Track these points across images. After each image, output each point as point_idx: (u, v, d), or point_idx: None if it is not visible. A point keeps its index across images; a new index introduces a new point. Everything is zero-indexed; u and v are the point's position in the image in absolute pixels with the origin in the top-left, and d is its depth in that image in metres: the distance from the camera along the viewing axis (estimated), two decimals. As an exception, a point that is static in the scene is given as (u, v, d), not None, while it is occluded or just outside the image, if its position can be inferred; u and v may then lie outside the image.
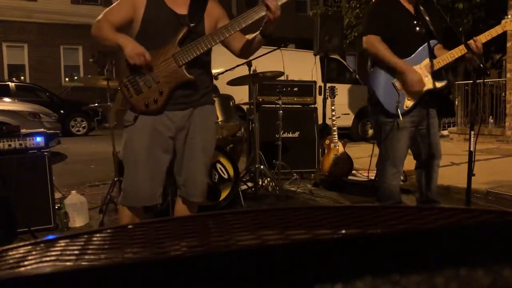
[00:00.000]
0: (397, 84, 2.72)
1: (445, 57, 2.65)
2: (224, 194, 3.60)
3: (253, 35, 2.16)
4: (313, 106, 5.28)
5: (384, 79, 2.74)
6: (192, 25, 2.09)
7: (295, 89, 5.24)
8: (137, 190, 2.14)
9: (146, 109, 2.08)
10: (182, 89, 2.10)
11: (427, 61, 2.69)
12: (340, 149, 4.64)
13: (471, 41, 2.57)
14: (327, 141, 4.72)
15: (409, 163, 3.15)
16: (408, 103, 2.70)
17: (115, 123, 3.43)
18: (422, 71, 2.69)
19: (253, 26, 2.08)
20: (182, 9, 2.12)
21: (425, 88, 2.69)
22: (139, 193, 2.14)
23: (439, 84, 2.70)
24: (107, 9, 2.15)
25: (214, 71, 4.43)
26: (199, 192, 2.28)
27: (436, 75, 2.70)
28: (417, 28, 2.71)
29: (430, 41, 2.69)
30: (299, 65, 7.54)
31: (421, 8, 2.73)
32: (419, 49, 2.71)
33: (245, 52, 2.27)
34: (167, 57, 2.05)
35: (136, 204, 2.19)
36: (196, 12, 2.14)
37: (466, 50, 2.56)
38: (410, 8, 2.76)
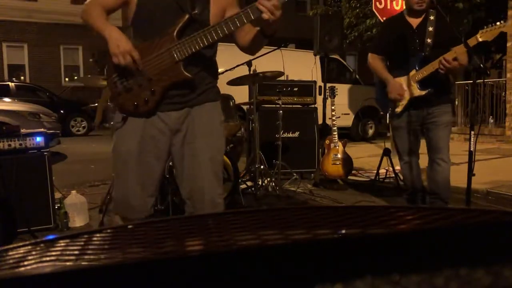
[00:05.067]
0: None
1: (427, 68, 2.93)
2: (224, 194, 3.59)
3: (257, 29, 1.87)
4: (313, 106, 5.28)
5: (382, 88, 3.17)
6: (195, 12, 1.80)
7: (295, 89, 5.24)
8: (128, 200, 1.91)
9: (135, 111, 1.83)
10: (177, 88, 1.84)
11: (413, 72, 3.00)
12: (340, 149, 4.64)
13: (442, 60, 2.81)
14: (327, 141, 4.72)
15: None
16: (398, 109, 3.10)
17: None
18: (408, 80, 3.03)
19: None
20: None
21: (410, 96, 3.02)
22: (130, 203, 1.92)
23: (420, 93, 2.99)
24: None
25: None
26: (208, 203, 1.92)
27: (422, 83, 2.98)
28: (416, 42, 3.01)
29: (418, 54, 2.98)
30: (299, 65, 7.54)
31: (431, 17, 2.98)
32: (409, 61, 3.02)
33: (252, 47, 1.95)
34: (162, 51, 1.77)
35: (127, 215, 1.95)
36: None
37: (438, 65, 2.83)
38: (413, 22, 3.04)
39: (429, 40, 2.96)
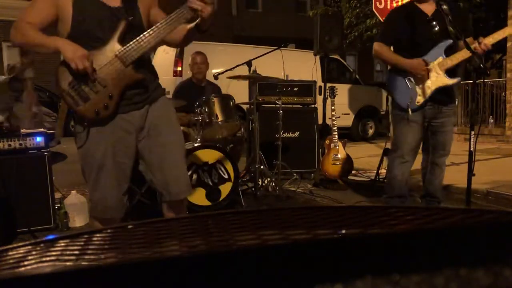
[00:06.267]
0: (409, 81, 2.91)
1: (457, 55, 2.78)
2: (224, 194, 3.60)
3: (188, 26, 2.03)
4: (313, 106, 5.28)
5: (398, 77, 2.95)
6: (131, 18, 1.92)
7: (295, 89, 5.24)
8: (105, 201, 2.03)
9: (96, 117, 1.91)
10: (132, 89, 1.97)
11: (440, 59, 2.83)
12: (340, 149, 4.64)
13: (476, 43, 2.65)
14: (327, 141, 4.71)
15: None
16: (420, 99, 2.87)
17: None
18: (435, 69, 2.84)
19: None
20: (114, 1, 1.93)
21: (437, 86, 2.83)
22: (108, 204, 2.03)
23: (450, 82, 2.83)
24: (24, 11, 1.93)
25: (214, 71, 4.45)
26: (185, 187, 2.14)
27: (449, 72, 2.83)
28: (435, 29, 2.85)
29: (445, 41, 2.82)
30: (299, 65, 7.53)
31: (445, 7, 2.81)
32: (434, 48, 2.84)
33: (183, 43, 2.15)
34: (110, 58, 1.88)
35: (105, 216, 2.08)
36: (130, 3, 1.97)
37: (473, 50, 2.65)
38: (427, 10, 2.89)
39: (451, 27, 2.79)
